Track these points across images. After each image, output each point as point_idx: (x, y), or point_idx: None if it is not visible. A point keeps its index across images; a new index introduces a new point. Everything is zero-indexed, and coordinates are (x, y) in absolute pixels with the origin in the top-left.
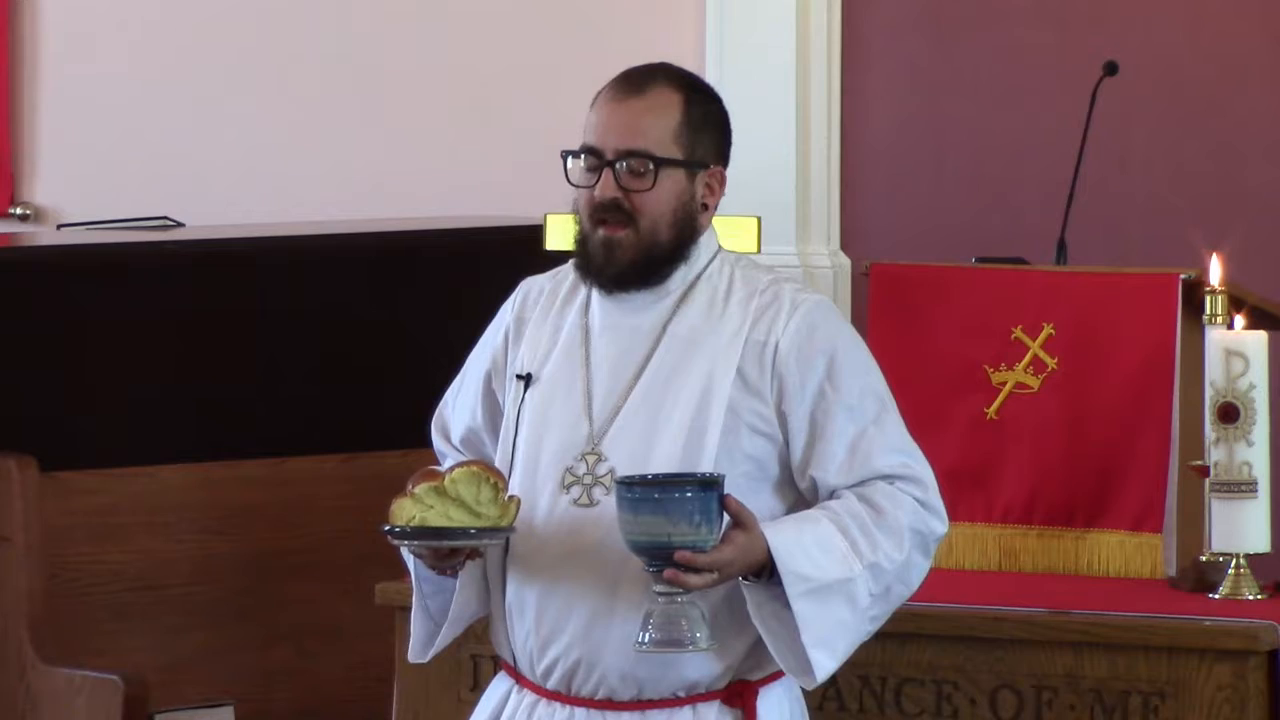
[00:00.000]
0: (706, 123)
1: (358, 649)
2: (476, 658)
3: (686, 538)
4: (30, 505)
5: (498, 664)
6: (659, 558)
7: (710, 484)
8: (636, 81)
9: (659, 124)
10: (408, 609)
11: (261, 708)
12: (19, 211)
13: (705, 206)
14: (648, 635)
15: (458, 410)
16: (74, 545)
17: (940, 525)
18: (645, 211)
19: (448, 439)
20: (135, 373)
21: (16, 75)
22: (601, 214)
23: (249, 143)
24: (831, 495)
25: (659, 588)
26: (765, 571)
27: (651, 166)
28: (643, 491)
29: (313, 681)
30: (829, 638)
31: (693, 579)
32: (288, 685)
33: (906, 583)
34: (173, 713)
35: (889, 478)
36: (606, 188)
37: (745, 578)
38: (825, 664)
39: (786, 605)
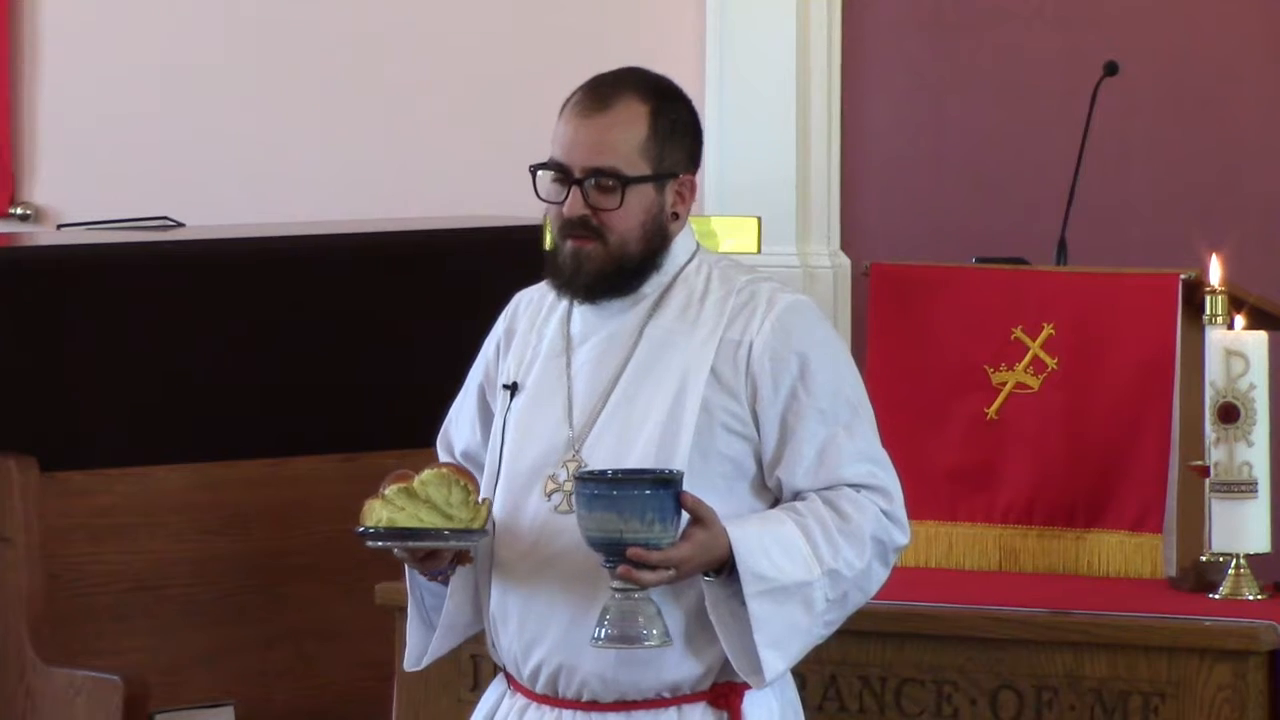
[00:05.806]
0: (675, 131)
1: (358, 649)
2: (476, 658)
3: (639, 534)
4: (30, 505)
5: (495, 665)
6: (614, 554)
7: (666, 482)
8: (602, 94)
9: (626, 139)
10: (406, 610)
11: (261, 708)
12: (19, 211)
13: (675, 215)
14: (603, 631)
15: (459, 426)
16: (74, 545)
17: (902, 537)
18: (613, 228)
19: (451, 454)
20: (135, 373)
21: (16, 75)
22: (570, 230)
23: (249, 143)
24: (796, 497)
25: (615, 584)
26: (726, 568)
27: (619, 185)
28: (597, 488)
29: (313, 681)
30: (782, 639)
31: (647, 576)
32: (288, 685)
33: (864, 590)
34: (173, 713)
35: (855, 486)
36: (574, 206)
37: (706, 574)
38: (776, 665)
39: (744, 604)
